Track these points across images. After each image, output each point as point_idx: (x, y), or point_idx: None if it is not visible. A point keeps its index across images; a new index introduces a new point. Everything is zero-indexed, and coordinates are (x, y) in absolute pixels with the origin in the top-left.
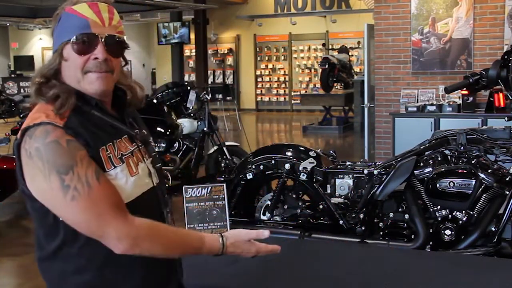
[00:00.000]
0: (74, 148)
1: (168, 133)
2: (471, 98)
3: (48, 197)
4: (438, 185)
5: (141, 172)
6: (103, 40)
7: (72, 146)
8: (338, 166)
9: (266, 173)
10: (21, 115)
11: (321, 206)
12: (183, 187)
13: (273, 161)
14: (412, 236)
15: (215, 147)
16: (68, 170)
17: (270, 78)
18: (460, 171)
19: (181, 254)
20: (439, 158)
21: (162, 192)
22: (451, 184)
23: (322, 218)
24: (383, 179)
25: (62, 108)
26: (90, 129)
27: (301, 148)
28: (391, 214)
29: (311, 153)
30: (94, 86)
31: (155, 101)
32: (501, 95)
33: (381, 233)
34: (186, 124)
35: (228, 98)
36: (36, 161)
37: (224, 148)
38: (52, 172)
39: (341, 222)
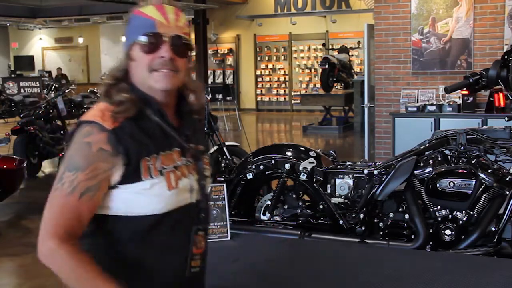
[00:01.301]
0: (98, 157)
1: None
2: (471, 98)
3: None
4: (438, 185)
5: (181, 187)
6: (168, 39)
7: (99, 155)
8: (338, 166)
9: (266, 173)
10: (21, 115)
11: (321, 206)
12: None
13: (273, 161)
14: (412, 236)
15: (215, 147)
16: (73, 169)
17: (270, 78)
18: (460, 171)
19: None
20: (439, 158)
21: (199, 210)
22: (451, 184)
23: (322, 218)
24: (383, 179)
25: (119, 115)
26: (138, 138)
27: (301, 148)
28: (391, 214)
29: (311, 153)
30: (160, 84)
31: None
32: (501, 95)
33: (381, 233)
34: None
35: (228, 98)
36: (68, 150)
37: (224, 148)
38: (64, 164)
39: (341, 222)
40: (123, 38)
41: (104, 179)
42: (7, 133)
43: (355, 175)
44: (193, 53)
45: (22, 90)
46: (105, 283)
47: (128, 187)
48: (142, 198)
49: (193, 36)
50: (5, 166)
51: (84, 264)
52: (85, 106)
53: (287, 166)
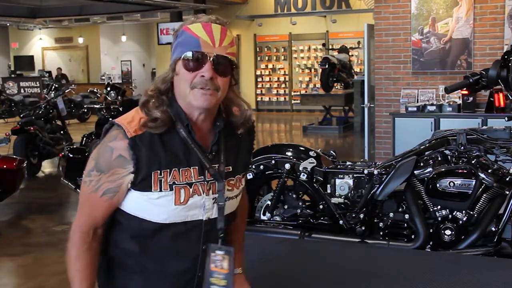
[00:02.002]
0: (116, 163)
1: None
2: (471, 98)
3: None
4: (438, 185)
5: (191, 203)
6: (211, 59)
7: (118, 161)
8: (338, 166)
9: (266, 173)
10: (21, 115)
11: (321, 206)
12: None
13: (273, 161)
14: (412, 236)
15: None
16: (99, 170)
17: (270, 78)
18: (460, 171)
19: None
20: (439, 158)
21: (211, 228)
22: (451, 184)
23: (322, 218)
24: (383, 179)
25: (145, 128)
26: (155, 150)
27: (301, 148)
28: (391, 214)
29: (311, 153)
30: (198, 101)
31: None
32: (501, 95)
33: (381, 233)
34: None
35: None
36: (99, 146)
37: None
38: (94, 160)
39: (341, 222)
40: (123, 38)
41: (122, 183)
42: (7, 133)
43: (355, 175)
44: (236, 70)
45: (22, 90)
46: None
47: (139, 193)
48: (148, 205)
49: None
50: (5, 166)
51: (79, 259)
52: (85, 106)
53: (287, 166)
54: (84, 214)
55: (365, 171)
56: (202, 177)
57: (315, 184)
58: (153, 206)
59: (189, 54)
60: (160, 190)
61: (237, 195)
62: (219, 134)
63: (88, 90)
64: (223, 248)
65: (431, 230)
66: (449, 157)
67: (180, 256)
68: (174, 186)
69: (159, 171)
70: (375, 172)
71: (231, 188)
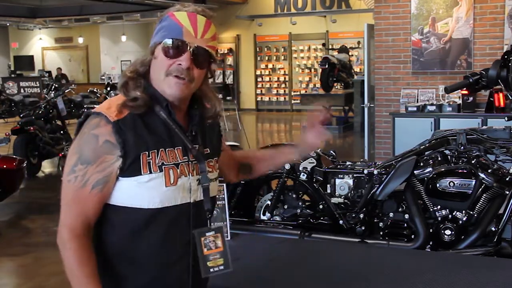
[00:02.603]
0: (104, 150)
1: None
2: (471, 98)
3: (64, 165)
4: (438, 185)
5: (179, 184)
6: (191, 49)
7: (105, 147)
8: (338, 166)
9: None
10: (21, 115)
11: (321, 206)
12: None
13: None
14: (412, 236)
15: None
16: (84, 162)
17: (270, 78)
18: (460, 171)
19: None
20: (439, 158)
21: (198, 211)
22: (451, 184)
23: (322, 218)
24: (383, 179)
25: (128, 108)
26: (140, 132)
27: None
28: (391, 214)
29: (311, 153)
30: (171, 90)
31: None
32: (501, 95)
33: (381, 233)
34: None
35: (228, 98)
36: (78, 139)
37: None
38: (76, 154)
39: (341, 222)
40: (123, 38)
41: (112, 171)
42: (7, 133)
43: (355, 175)
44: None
45: (22, 90)
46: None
47: (128, 179)
48: (139, 190)
49: None
50: (5, 166)
51: (84, 264)
52: (85, 106)
53: (287, 166)
54: (74, 215)
55: (365, 171)
56: (186, 157)
57: (315, 184)
58: (144, 190)
59: (170, 41)
60: (150, 172)
61: (216, 177)
62: (198, 117)
63: (88, 90)
64: (212, 229)
65: (431, 230)
66: (449, 157)
67: (172, 244)
68: (163, 167)
69: (147, 153)
70: (375, 172)
71: (211, 169)
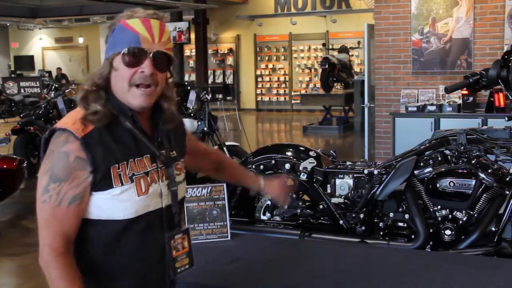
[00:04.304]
0: (75, 166)
1: None
2: (471, 98)
3: (37, 187)
4: (438, 185)
5: (151, 192)
6: (151, 55)
7: (76, 163)
8: (338, 166)
9: (266, 173)
10: (21, 115)
11: (321, 206)
12: None
13: (273, 161)
14: (412, 236)
15: (215, 147)
16: (57, 180)
17: (270, 78)
18: (460, 171)
19: None
20: (439, 158)
21: (169, 215)
22: (451, 184)
23: (322, 218)
24: (383, 179)
25: (90, 123)
26: (108, 145)
27: (301, 148)
28: (391, 214)
29: (311, 153)
30: (137, 100)
31: None
32: (501, 95)
33: (381, 233)
34: (186, 124)
35: (228, 98)
36: (47, 158)
37: (224, 148)
38: (48, 173)
39: (341, 222)
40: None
41: (86, 186)
42: (7, 133)
43: (355, 175)
44: (172, 66)
45: (22, 90)
46: None
47: (101, 193)
48: (113, 203)
49: (193, 36)
50: (5, 166)
51: (71, 281)
52: None
53: (287, 166)
54: (54, 234)
55: (365, 171)
56: (155, 164)
57: (315, 184)
58: (118, 202)
59: (129, 50)
60: (122, 184)
61: (184, 179)
62: (162, 121)
63: None
64: (180, 231)
65: (431, 230)
66: (449, 157)
67: (149, 249)
68: (134, 177)
69: (117, 165)
70: (375, 172)
71: (179, 172)
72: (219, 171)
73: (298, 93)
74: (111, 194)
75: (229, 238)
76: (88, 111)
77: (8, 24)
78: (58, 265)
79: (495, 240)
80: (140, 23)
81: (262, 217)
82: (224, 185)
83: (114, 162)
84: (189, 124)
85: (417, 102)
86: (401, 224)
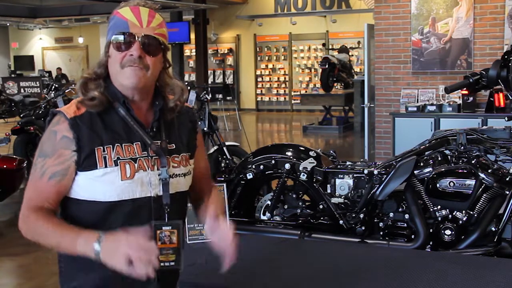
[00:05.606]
0: (61, 144)
1: None
2: (471, 98)
3: None
4: (438, 185)
5: (137, 179)
6: (139, 39)
7: (62, 142)
8: (338, 166)
9: (266, 173)
10: (21, 115)
11: (321, 206)
12: None
13: (273, 161)
14: (412, 236)
15: (215, 147)
16: (43, 156)
17: (270, 78)
18: (460, 171)
19: (58, 250)
20: (439, 158)
21: (158, 206)
22: (451, 184)
23: (322, 218)
24: (383, 179)
25: (84, 106)
26: (96, 127)
27: (301, 148)
28: (391, 214)
29: (311, 153)
30: (129, 80)
31: None
32: (501, 95)
33: (381, 233)
34: None
35: (228, 98)
36: (42, 136)
37: (224, 148)
38: (39, 149)
39: (341, 222)
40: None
41: (69, 165)
42: (7, 133)
43: (355, 175)
44: (169, 53)
45: (22, 90)
46: (71, 230)
47: (85, 174)
48: (96, 184)
49: (193, 36)
50: (5, 166)
51: (50, 221)
52: None
53: (287, 166)
54: (33, 201)
55: (365, 171)
56: (146, 153)
57: (315, 184)
58: (100, 183)
59: (118, 35)
60: (106, 166)
61: (186, 173)
62: (159, 112)
63: None
64: (169, 223)
65: (431, 230)
66: (449, 157)
67: None
68: (119, 161)
69: (102, 147)
70: (375, 172)
71: (177, 165)
72: (194, 201)
73: (298, 93)
74: (94, 175)
75: None
76: (86, 97)
77: (8, 24)
78: (37, 215)
79: (495, 240)
80: (129, 10)
81: (262, 217)
82: (224, 185)
83: (98, 144)
84: None
85: (417, 102)
86: (401, 224)
